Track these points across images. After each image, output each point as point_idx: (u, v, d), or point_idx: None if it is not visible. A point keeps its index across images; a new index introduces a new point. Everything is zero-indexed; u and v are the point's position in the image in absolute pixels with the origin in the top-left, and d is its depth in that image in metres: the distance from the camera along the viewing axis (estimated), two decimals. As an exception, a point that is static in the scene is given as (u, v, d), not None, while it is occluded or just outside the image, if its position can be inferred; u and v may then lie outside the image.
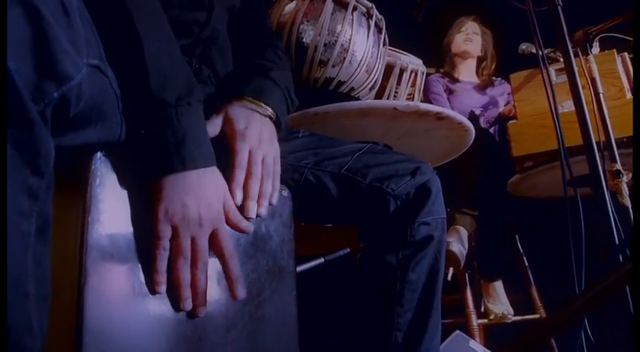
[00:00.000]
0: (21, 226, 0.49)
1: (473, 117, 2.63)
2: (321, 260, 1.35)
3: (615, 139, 1.55)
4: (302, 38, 1.47)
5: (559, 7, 1.44)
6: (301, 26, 1.47)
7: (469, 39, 2.89)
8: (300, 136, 1.09)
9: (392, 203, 1.02)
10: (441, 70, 2.93)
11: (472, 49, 2.91)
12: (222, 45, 0.98)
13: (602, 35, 1.84)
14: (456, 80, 2.89)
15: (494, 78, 2.95)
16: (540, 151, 1.96)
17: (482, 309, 2.32)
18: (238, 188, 0.78)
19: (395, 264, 1.01)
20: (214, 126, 0.84)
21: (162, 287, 0.68)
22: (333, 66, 1.47)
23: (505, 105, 2.75)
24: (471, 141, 1.69)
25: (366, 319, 1.03)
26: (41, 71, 0.50)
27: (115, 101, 0.66)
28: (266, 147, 0.85)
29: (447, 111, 1.47)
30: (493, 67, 2.97)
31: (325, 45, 1.46)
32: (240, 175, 0.79)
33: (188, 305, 0.70)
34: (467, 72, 2.93)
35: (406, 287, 1.00)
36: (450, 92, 2.82)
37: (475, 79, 2.94)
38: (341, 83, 1.51)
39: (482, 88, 2.88)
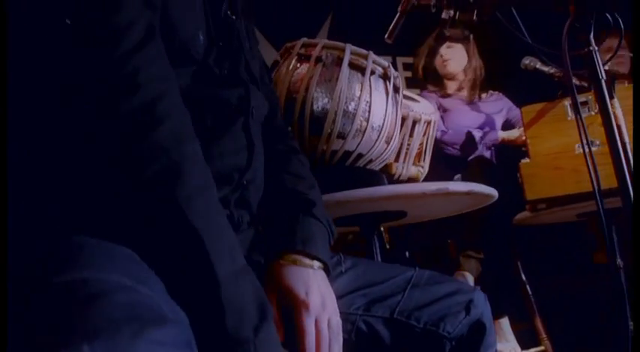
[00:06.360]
0: None
1: (470, 139, 2.51)
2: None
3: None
4: (317, 107, 1.31)
5: (594, 52, 1.31)
6: (315, 94, 1.31)
7: (446, 61, 2.71)
8: (344, 271, 0.96)
9: (447, 345, 0.94)
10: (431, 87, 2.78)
11: (454, 68, 2.73)
12: (258, 184, 0.86)
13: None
14: (447, 95, 2.74)
15: (490, 92, 2.81)
16: (555, 195, 1.86)
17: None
18: None
19: None
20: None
21: None
22: (353, 138, 1.32)
23: (504, 128, 2.63)
24: (493, 201, 1.57)
25: None
26: None
27: None
28: (330, 309, 0.80)
29: (477, 187, 1.34)
30: (479, 72, 2.77)
31: (343, 116, 1.30)
32: None
33: None
34: (456, 86, 2.78)
35: None
36: (443, 110, 2.68)
37: (465, 93, 2.78)
38: (360, 156, 1.36)
39: (471, 101, 2.73)
